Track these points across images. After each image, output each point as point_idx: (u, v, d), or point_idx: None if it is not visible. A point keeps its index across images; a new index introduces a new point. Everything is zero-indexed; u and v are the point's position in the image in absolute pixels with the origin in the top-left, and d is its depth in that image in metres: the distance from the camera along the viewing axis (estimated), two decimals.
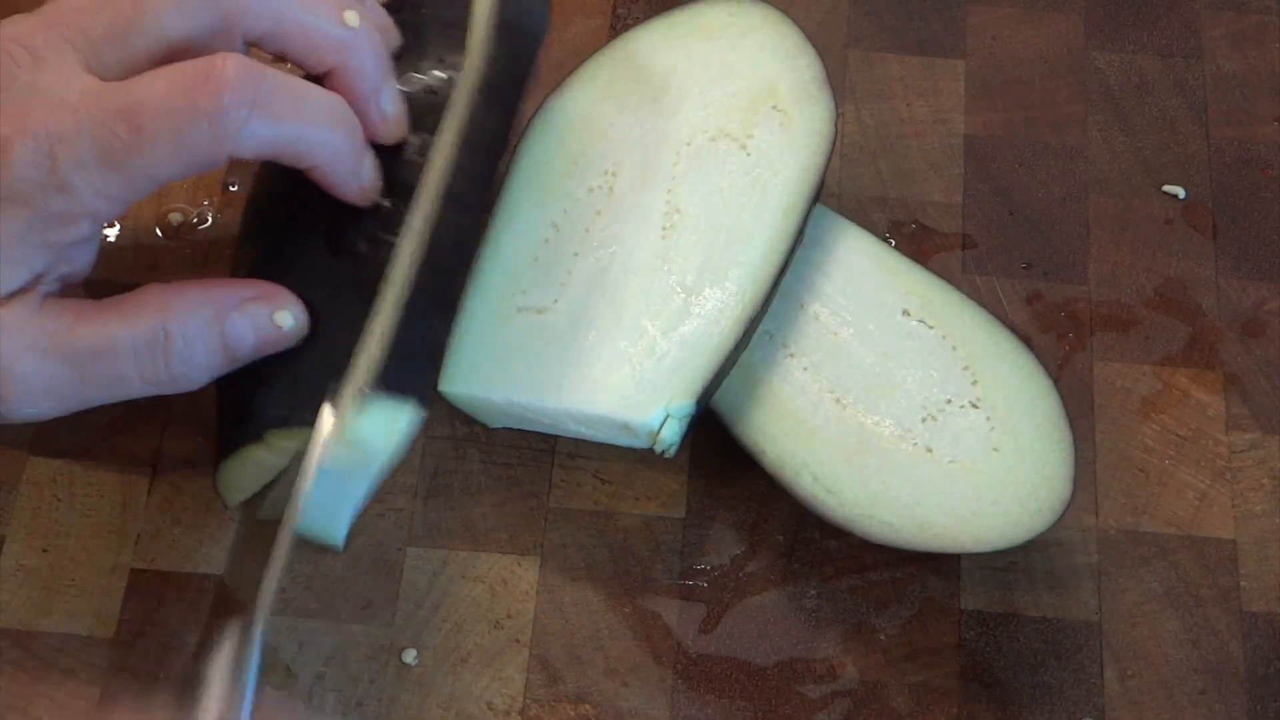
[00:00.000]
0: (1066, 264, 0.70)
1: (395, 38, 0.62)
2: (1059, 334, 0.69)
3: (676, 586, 0.64)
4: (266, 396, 0.59)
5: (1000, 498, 0.61)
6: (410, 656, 0.62)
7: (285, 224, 0.61)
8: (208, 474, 0.65)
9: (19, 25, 0.57)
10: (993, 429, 0.62)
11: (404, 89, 0.60)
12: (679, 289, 0.62)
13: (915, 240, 0.70)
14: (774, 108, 0.65)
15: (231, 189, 0.70)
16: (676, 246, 0.63)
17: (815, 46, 0.67)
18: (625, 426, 0.61)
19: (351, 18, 0.59)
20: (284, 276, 0.60)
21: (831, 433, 0.62)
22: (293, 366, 0.59)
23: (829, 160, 0.65)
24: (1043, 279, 0.70)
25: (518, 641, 0.62)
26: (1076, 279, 0.70)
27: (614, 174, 0.64)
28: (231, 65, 0.55)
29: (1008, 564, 0.64)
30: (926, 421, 0.62)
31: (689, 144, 0.65)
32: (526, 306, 0.63)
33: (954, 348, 0.63)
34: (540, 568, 0.64)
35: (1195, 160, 0.73)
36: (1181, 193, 0.72)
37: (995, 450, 0.61)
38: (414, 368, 0.57)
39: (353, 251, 0.59)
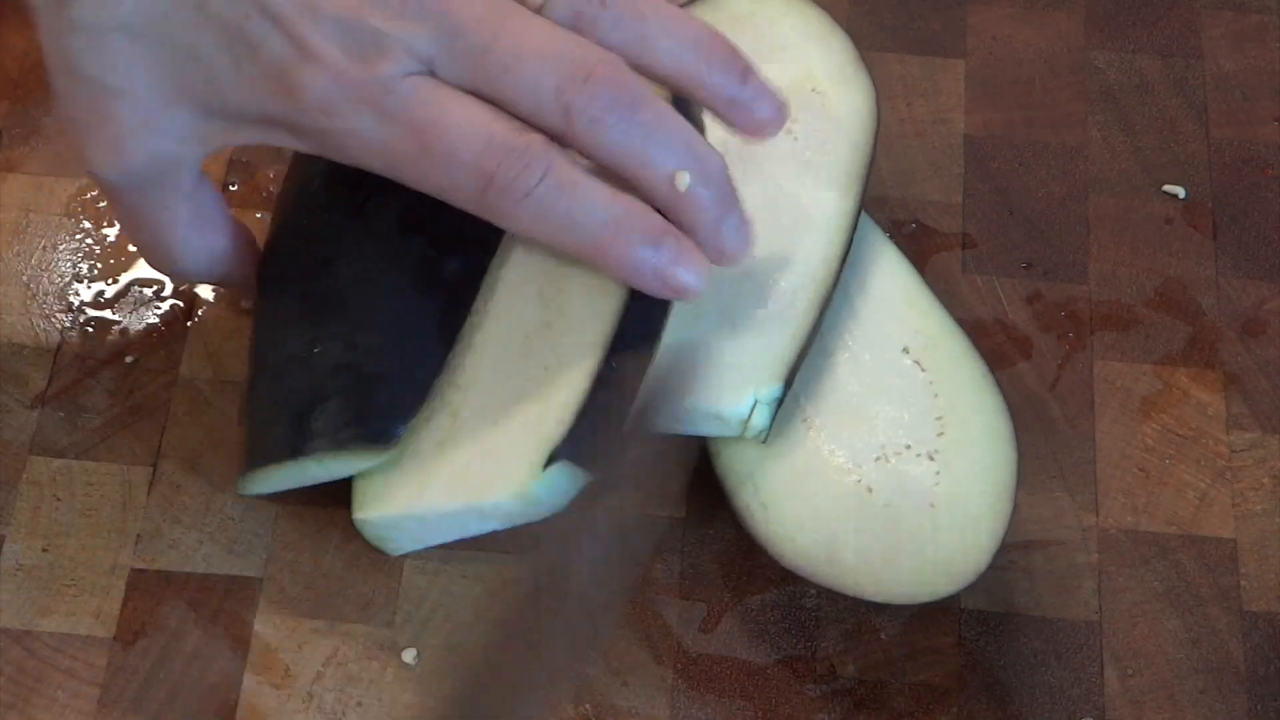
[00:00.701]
0: (1066, 264, 0.70)
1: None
2: (1059, 333, 0.69)
3: (676, 586, 0.64)
4: (334, 420, 0.60)
5: (916, 554, 0.60)
6: (410, 656, 0.62)
7: (366, 248, 0.62)
8: (208, 474, 0.65)
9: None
10: (938, 485, 0.61)
11: None
12: (748, 276, 0.62)
13: (915, 240, 0.70)
14: (813, 91, 0.65)
15: (232, 189, 0.70)
16: None
17: None
18: (717, 416, 0.61)
19: (682, 181, 0.57)
20: (362, 304, 0.61)
21: (786, 451, 0.62)
22: (362, 395, 0.60)
23: (876, 137, 0.65)
24: (1043, 279, 0.70)
25: None
26: (1076, 278, 0.70)
27: None
28: (538, 146, 0.55)
29: (1007, 563, 0.64)
30: (879, 461, 0.61)
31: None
32: None
33: (936, 395, 0.62)
34: None
35: (1195, 160, 0.73)
36: (1181, 193, 0.72)
37: (931, 506, 0.61)
38: (595, 438, 0.58)
39: (443, 290, 0.61)
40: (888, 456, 0.61)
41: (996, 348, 0.68)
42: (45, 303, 0.68)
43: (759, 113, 0.59)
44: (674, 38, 0.58)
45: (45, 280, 0.68)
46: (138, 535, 0.64)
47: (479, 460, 0.59)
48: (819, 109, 0.65)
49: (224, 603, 0.63)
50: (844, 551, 0.60)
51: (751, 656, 0.63)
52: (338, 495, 0.64)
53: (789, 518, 0.61)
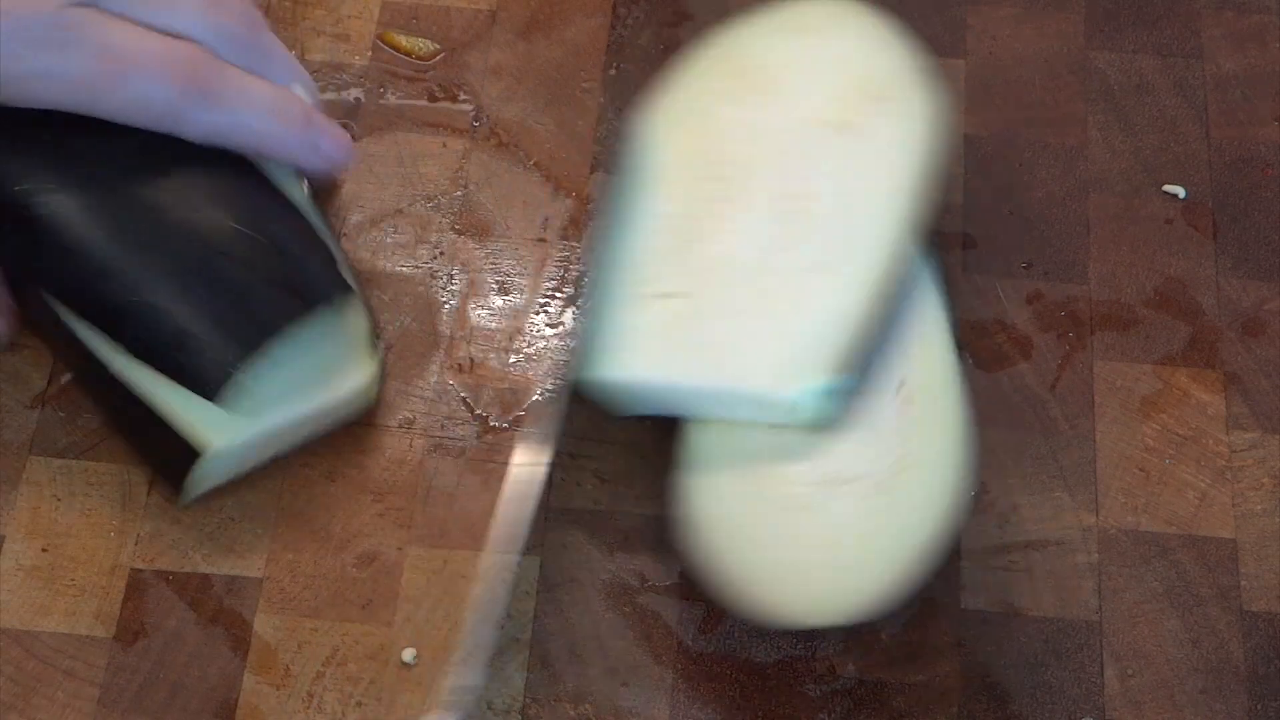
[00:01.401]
0: (1067, 263, 0.70)
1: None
2: (1059, 333, 0.69)
3: (676, 586, 0.64)
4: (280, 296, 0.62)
5: (824, 579, 0.60)
6: (410, 656, 0.62)
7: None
8: None
9: None
10: (869, 516, 0.60)
11: None
12: (811, 268, 0.62)
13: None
14: (879, 97, 0.65)
15: None
16: (803, 229, 0.63)
17: None
18: (775, 404, 0.61)
19: (297, 90, 0.65)
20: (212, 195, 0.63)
21: (743, 461, 0.62)
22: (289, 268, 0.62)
23: (939, 144, 0.65)
24: (1043, 278, 0.70)
25: (517, 641, 0.62)
26: (1077, 278, 0.70)
27: (731, 164, 0.65)
28: (200, 56, 0.60)
29: (1007, 564, 0.64)
30: (822, 484, 0.61)
31: (802, 133, 0.65)
32: (662, 293, 0.63)
33: (909, 439, 0.62)
34: (540, 568, 0.64)
35: (1195, 160, 0.73)
36: (1181, 193, 0.72)
37: (859, 535, 0.60)
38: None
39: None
40: (834, 482, 0.61)
41: (997, 348, 0.68)
42: None
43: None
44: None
45: None
46: (138, 535, 0.64)
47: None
48: (884, 115, 0.65)
49: (224, 603, 0.63)
50: (750, 569, 0.60)
51: (751, 656, 0.63)
52: (337, 494, 0.64)
53: (722, 528, 0.61)
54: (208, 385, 0.60)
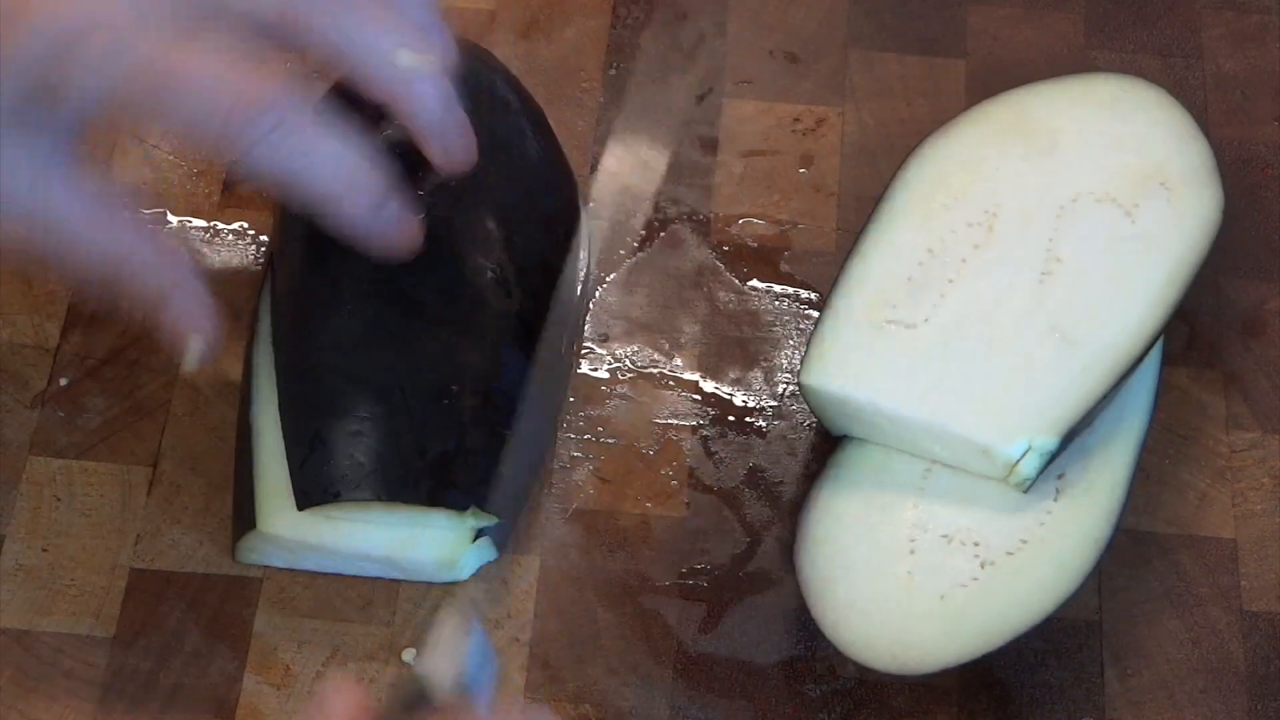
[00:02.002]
0: None
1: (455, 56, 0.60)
2: None
3: (676, 586, 0.64)
4: (472, 476, 0.61)
5: (900, 625, 0.60)
6: (410, 656, 0.62)
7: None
8: (208, 474, 0.65)
9: None
10: (965, 582, 0.61)
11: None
12: (1054, 331, 0.63)
13: None
14: (1162, 185, 0.65)
15: None
16: (1054, 292, 0.63)
17: (819, 46, 0.66)
18: (984, 451, 0.61)
19: (405, 58, 0.58)
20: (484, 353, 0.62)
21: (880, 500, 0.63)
22: (493, 459, 0.61)
23: (1208, 241, 0.65)
24: None
25: (518, 641, 0.62)
26: None
27: (994, 214, 0.65)
28: (273, 88, 0.56)
29: None
30: (938, 536, 0.61)
31: (1074, 201, 0.65)
32: (896, 320, 0.63)
33: (1042, 524, 0.62)
34: (540, 568, 0.64)
35: None
36: None
37: (941, 598, 0.60)
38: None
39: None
40: (951, 539, 0.61)
41: None
42: (45, 302, 0.68)
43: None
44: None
45: (45, 279, 0.68)
46: (138, 535, 0.64)
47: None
48: (1163, 202, 0.65)
49: (224, 603, 0.63)
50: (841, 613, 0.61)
51: (751, 656, 0.63)
52: None
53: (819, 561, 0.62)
54: (303, 492, 0.60)
